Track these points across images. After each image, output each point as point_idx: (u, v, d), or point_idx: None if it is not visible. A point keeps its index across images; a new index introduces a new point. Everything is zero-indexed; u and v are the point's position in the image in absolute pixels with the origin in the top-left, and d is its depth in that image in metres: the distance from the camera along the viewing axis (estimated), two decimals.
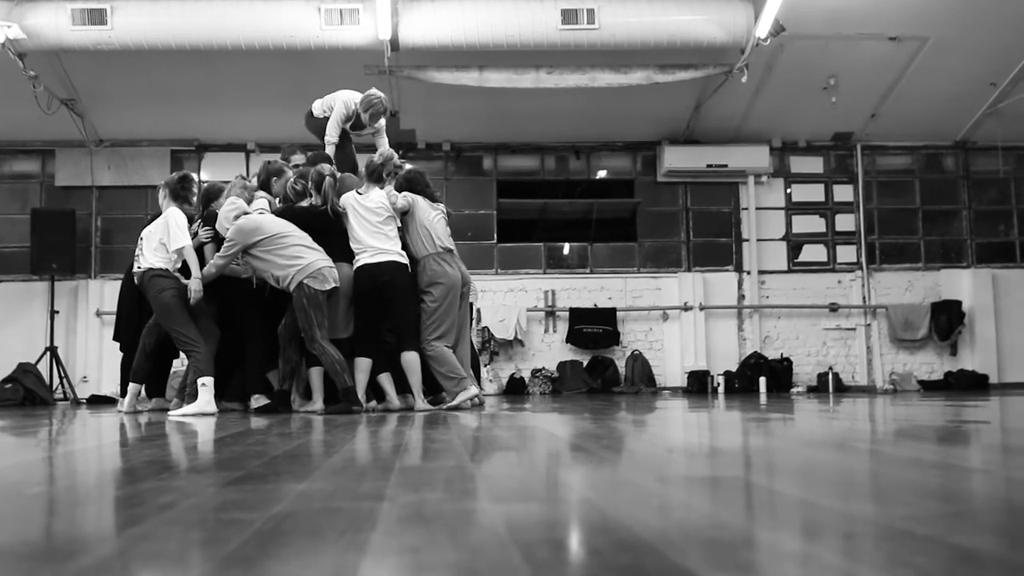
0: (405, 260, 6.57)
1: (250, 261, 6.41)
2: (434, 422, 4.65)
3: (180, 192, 6.84)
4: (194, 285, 6.39)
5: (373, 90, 7.49)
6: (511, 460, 2.68)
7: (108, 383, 11.74)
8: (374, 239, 6.48)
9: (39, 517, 1.67)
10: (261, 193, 6.96)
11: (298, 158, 7.59)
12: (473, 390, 6.54)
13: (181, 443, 3.59)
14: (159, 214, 6.87)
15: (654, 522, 1.45)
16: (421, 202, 6.75)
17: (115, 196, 12.87)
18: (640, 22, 10.17)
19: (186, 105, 12.05)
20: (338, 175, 6.82)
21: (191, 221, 7.10)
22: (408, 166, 7.37)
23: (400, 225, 6.66)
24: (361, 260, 6.47)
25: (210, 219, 6.78)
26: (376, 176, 6.68)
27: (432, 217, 6.72)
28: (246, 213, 6.53)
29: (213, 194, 7.16)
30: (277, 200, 6.95)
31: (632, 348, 12.80)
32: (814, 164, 13.50)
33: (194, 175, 7.21)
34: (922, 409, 5.79)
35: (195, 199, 7.11)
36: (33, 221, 12.04)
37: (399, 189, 6.84)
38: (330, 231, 6.53)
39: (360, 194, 6.62)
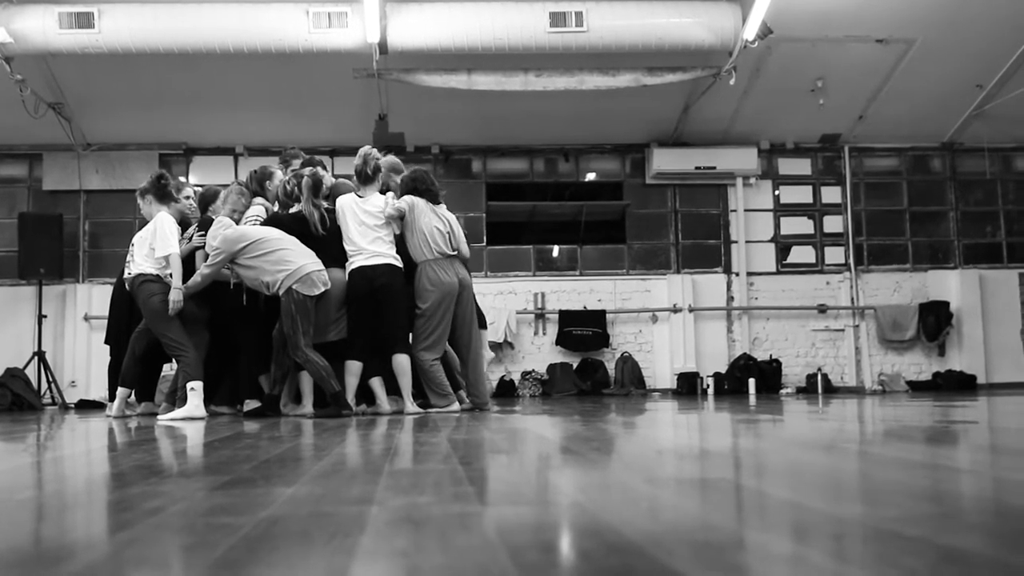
0: (400, 263, 6.57)
1: (239, 272, 6.39)
2: (424, 425, 4.64)
3: (164, 190, 6.75)
4: (174, 295, 6.34)
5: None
6: (501, 463, 2.68)
7: (96, 388, 11.70)
8: (371, 243, 6.47)
9: (27, 522, 1.67)
10: (258, 200, 6.95)
11: (298, 163, 7.54)
12: (456, 407, 6.55)
13: (170, 447, 3.58)
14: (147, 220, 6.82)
15: (643, 524, 1.45)
16: (422, 206, 6.69)
17: (103, 200, 12.82)
18: (628, 25, 10.18)
19: (174, 109, 12.02)
20: (322, 176, 6.79)
21: (186, 225, 7.07)
22: (389, 157, 7.29)
23: (398, 232, 6.65)
24: (356, 262, 6.46)
25: (206, 224, 6.75)
26: (364, 177, 6.67)
27: (432, 222, 6.68)
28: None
29: (209, 197, 7.13)
30: (275, 205, 6.93)
31: (622, 350, 12.81)
32: (802, 166, 13.55)
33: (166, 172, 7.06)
34: (910, 410, 5.80)
35: (180, 195, 7.06)
36: (20, 225, 12.00)
37: (405, 189, 6.82)
38: (318, 236, 6.51)
39: (360, 197, 6.62)
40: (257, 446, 3.32)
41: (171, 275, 6.45)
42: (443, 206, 6.91)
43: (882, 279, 13.35)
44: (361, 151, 6.81)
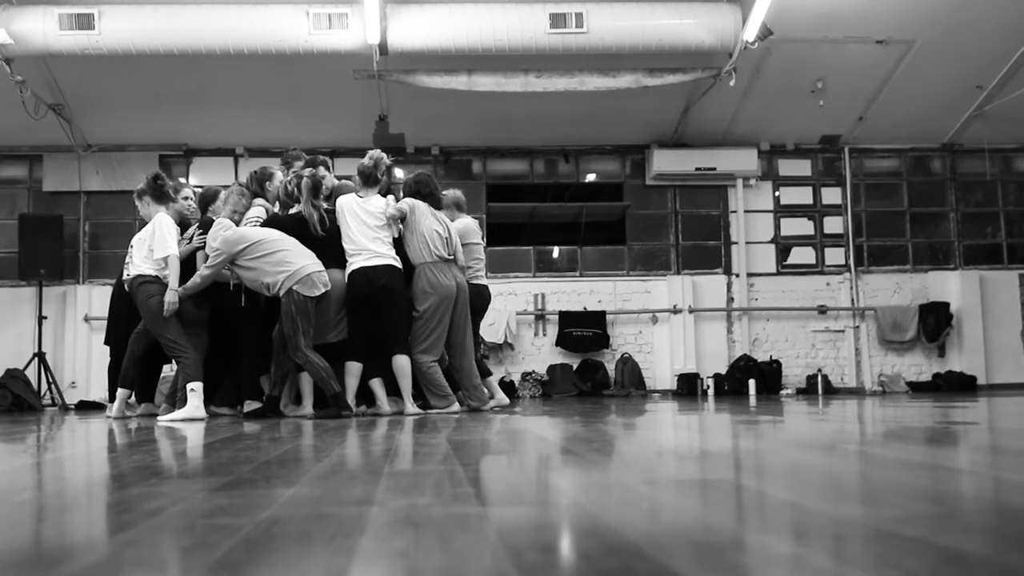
0: (399, 264, 6.58)
1: (239, 273, 6.39)
2: (423, 426, 4.64)
3: (162, 190, 6.75)
4: (170, 297, 6.34)
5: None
6: (501, 464, 2.68)
7: (96, 389, 11.70)
8: (371, 243, 6.48)
9: (27, 523, 1.67)
10: (259, 201, 6.95)
11: (300, 164, 7.53)
12: (456, 407, 6.56)
13: (170, 448, 3.58)
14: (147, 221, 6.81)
15: (643, 525, 1.45)
16: (423, 209, 6.70)
17: (103, 201, 12.83)
18: (628, 26, 10.19)
19: (174, 110, 12.02)
20: (322, 177, 6.78)
21: (186, 226, 7.05)
22: (400, 173, 7.36)
23: (397, 235, 6.66)
24: (356, 263, 6.46)
25: (207, 225, 6.75)
26: (372, 180, 6.67)
27: (432, 225, 6.68)
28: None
29: (209, 198, 7.12)
30: (276, 206, 6.93)
31: (622, 351, 12.81)
32: (802, 167, 13.55)
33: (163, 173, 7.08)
34: (910, 411, 5.80)
35: (178, 196, 7.07)
36: (21, 226, 12.01)
37: (407, 191, 6.84)
38: (318, 237, 6.51)
39: (361, 197, 6.63)
40: (257, 447, 3.32)
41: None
42: (458, 209, 6.97)
43: (882, 280, 13.35)
44: (374, 153, 6.82)
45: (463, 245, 7.07)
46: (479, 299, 7.33)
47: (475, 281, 7.30)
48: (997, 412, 5.45)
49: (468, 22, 10.12)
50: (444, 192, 7.36)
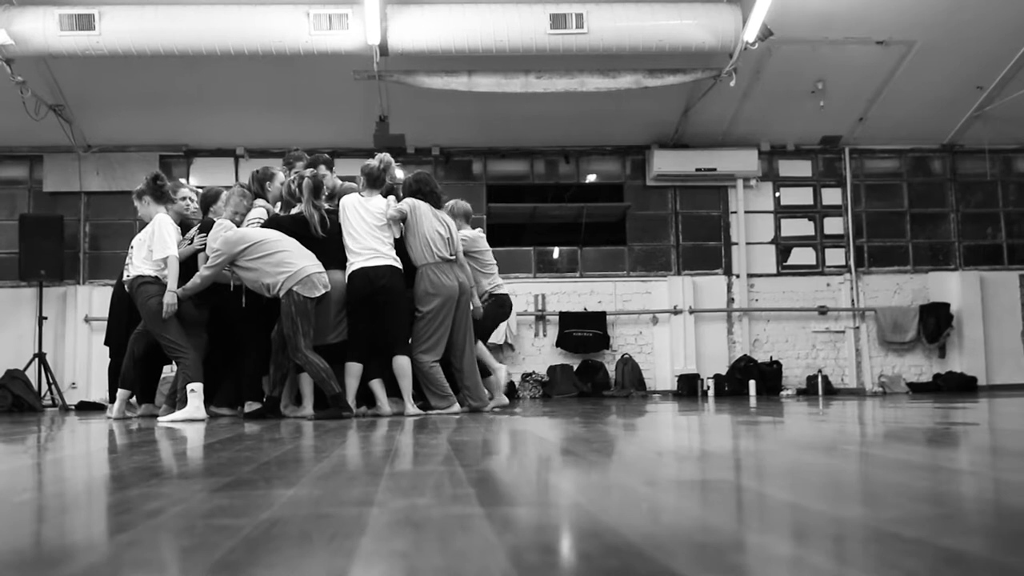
0: (400, 264, 6.58)
1: (239, 274, 6.38)
2: (424, 427, 4.64)
3: (161, 190, 6.76)
4: (168, 299, 6.34)
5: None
6: (501, 464, 2.68)
7: (97, 389, 11.70)
8: (373, 242, 6.48)
9: (27, 524, 1.67)
10: (260, 202, 6.95)
11: (302, 165, 7.53)
12: (456, 408, 6.56)
13: (170, 449, 3.58)
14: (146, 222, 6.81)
15: (643, 526, 1.45)
16: (424, 209, 6.70)
17: (103, 202, 12.83)
18: (629, 26, 10.18)
19: (175, 110, 12.02)
20: (323, 177, 6.78)
21: (187, 227, 7.05)
22: (400, 173, 7.38)
23: (398, 236, 6.66)
24: (357, 264, 6.45)
25: (208, 226, 6.75)
26: (379, 182, 6.68)
27: (434, 226, 6.69)
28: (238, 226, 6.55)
29: (211, 199, 7.12)
30: (278, 206, 6.93)
31: (622, 352, 12.81)
32: (802, 168, 13.55)
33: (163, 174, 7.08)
34: (911, 411, 5.80)
35: (176, 195, 7.06)
36: (21, 227, 12.00)
37: (407, 191, 6.85)
38: (318, 237, 6.51)
39: (363, 196, 6.64)
40: (257, 448, 3.32)
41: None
42: (465, 220, 7.02)
43: (882, 281, 13.34)
44: (384, 157, 6.87)
45: (469, 255, 7.13)
46: (498, 307, 7.40)
47: (497, 292, 7.38)
48: (997, 413, 5.45)
49: (468, 23, 10.12)
50: (452, 202, 7.43)
